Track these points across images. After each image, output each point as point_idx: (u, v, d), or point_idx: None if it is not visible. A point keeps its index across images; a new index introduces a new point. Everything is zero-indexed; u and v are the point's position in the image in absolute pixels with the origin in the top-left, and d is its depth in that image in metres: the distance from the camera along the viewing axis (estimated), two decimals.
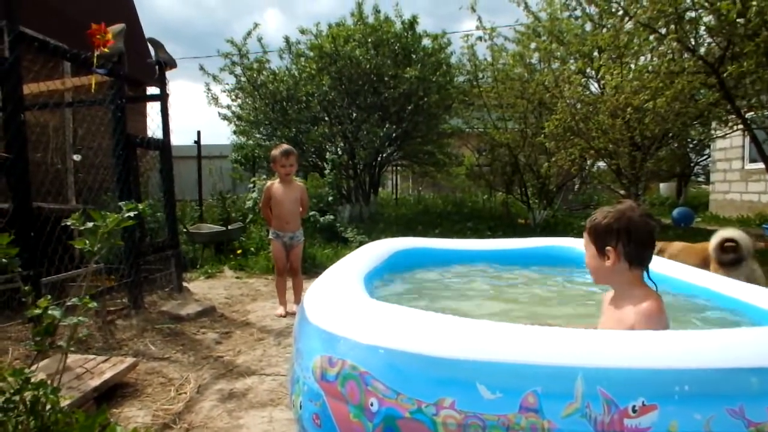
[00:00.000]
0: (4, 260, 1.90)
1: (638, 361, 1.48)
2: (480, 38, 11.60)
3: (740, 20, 6.49)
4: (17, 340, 3.62)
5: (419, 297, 3.06)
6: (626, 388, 1.44)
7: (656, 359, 1.48)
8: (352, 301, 1.99)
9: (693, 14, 7.76)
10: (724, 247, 3.98)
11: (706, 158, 18.04)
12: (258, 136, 12.62)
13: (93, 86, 4.33)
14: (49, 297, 1.88)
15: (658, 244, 5.25)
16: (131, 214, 2.06)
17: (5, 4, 3.44)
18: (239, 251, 7.71)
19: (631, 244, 1.95)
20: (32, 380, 1.82)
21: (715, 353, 1.50)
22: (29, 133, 3.67)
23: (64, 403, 2.03)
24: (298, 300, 4.82)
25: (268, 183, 4.98)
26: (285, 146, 4.83)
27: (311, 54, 11.72)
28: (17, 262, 1.95)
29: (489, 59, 11.83)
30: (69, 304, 1.96)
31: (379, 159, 12.83)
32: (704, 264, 3.99)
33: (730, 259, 3.92)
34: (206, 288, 5.91)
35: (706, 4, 7.04)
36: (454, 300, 3.00)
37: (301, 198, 4.87)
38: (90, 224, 1.99)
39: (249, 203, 8.86)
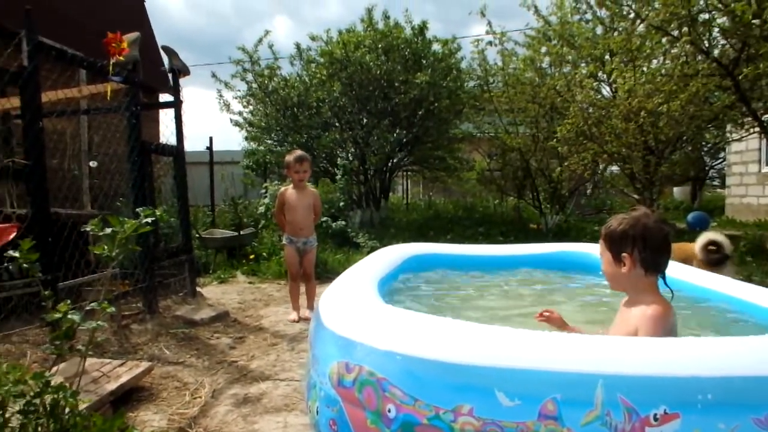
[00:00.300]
0: (24, 265, 1.92)
1: (660, 369, 1.46)
2: (490, 43, 11.59)
3: (755, 21, 6.43)
4: (35, 344, 3.64)
5: (433, 303, 3.07)
6: (647, 395, 1.43)
7: (678, 367, 1.47)
8: (368, 307, 1.99)
9: (706, 16, 7.70)
10: (708, 248, 4.30)
11: (721, 161, 17.87)
12: (269, 142, 12.67)
13: (109, 94, 4.37)
14: (68, 301, 1.90)
15: None
16: (149, 219, 2.07)
17: (25, 15, 3.49)
18: (252, 256, 7.74)
19: (646, 251, 1.96)
20: (51, 383, 1.84)
21: (739, 361, 1.48)
22: (47, 140, 3.71)
23: (82, 406, 2.04)
24: (311, 305, 4.83)
25: (282, 189, 5.00)
26: (299, 152, 4.85)
27: (322, 60, 11.76)
28: (37, 267, 1.97)
29: (499, 64, 11.81)
30: (87, 308, 1.97)
31: (389, 164, 12.82)
32: (684, 262, 4.08)
33: (715, 259, 4.24)
34: (219, 293, 5.94)
35: (720, 5, 6.99)
36: (469, 306, 3.00)
37: (315, 204, 4.89)
38: (108, 230, 2.01)
39: (261, 209, 8.90)
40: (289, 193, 4.82)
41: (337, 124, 11.86)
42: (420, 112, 11.72)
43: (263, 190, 9.33)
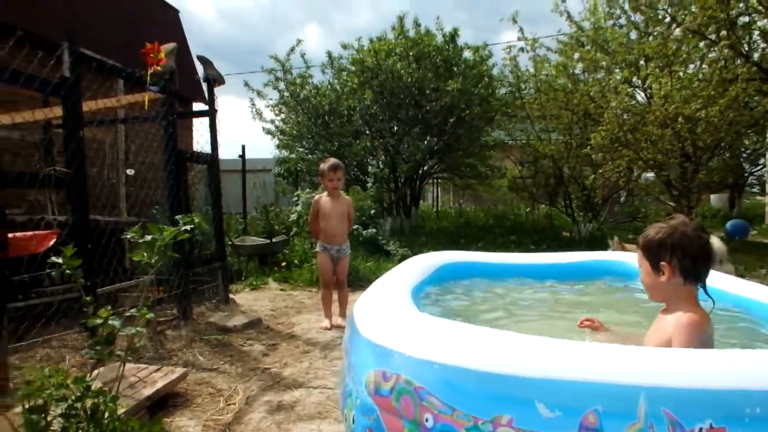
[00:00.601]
0: (67, 271, 1.97)
1: (705, 381, 1.41)
2: (522, 49, 11.54)
3: None
4: (73, 348, 3.74)
5: (469, 311, 3.03)
6: (692, 409, 1.38)
7: (725, 379, 1.42)
8: (405, 315, 1.98)
9: (746, 19, 7.53)
10: None
11: (761, 168, 17.37)
12: (300, 149, 12.83)
13: (146, 103, 4.48)
14: (109, 307, 1.94)
15: (621, 245, 5.36)
16: (187, 227, 2.11)
17: (67, 27, 3.61)
18: (283, 264, 7.80)
19: (685, 259, 1.94)
20: (92, 388, 1.88)
21: None
22: (87, 149, 3.82)
23: (120, 411, 2.08)
24: (343, 313, 4.84)
25: (317, 197, 5.04)
26: (333, 161, 4.89)
27: (353, 68, 11.89)
28: (80, 274, 2.02)
29: (531, 70, 11.75)
30: (127, 314, 2.02)
31: (420, 172, 12.87)
32: None
33: None
34: (251, 300, 5.99)
35: (761, 7, 6.82)
36: (506, 314, 2.95)
37: (348, 212, 4.92)
38: (148, 237, 2.05)
39: (293, 216, 8.97)
40: (323, 201, 4.86)
41: (368, 132, 11.97)
42: (451, 120, 11.74)
43: (295, 198, 9.41)
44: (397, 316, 1.98)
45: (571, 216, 11.96)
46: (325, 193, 4.92)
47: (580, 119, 10.78)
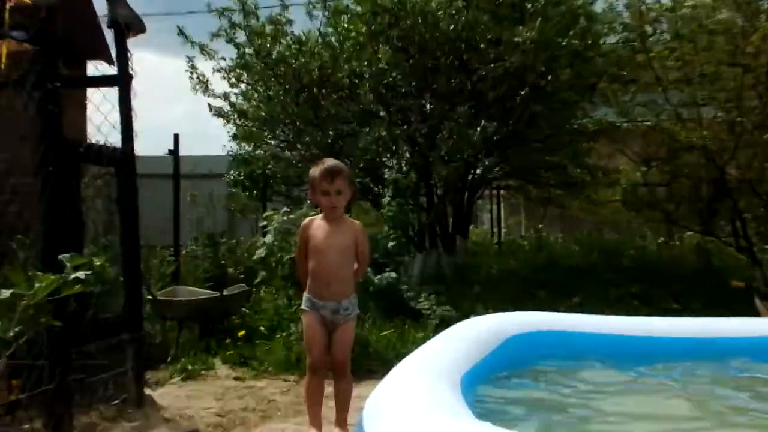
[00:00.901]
0: None
1: None
2: None
3: None
4: None
5: (559, 415, 3.04)
6: None
7: None
8: (453, 424, 1.92)
9: None
10: None
11: None
12: (272, 142, 12.98)
13: (2, 59, 4.43)
14: None
15: None
16: (81, 273, 2.01)
17: None
18: (241, 333, 7.77)
19: None
20: None
21: None
22: None
23: None
24: (342, 420, 4.71)
25: (306, 220, 5.03)
26: (330, 162, 4.85)
27: (359, 10, 11.90)
28: None
29: (665, 1, 11.65)
30: None
31: (470, 177, 12.98)
32: None
33: None
34: (184, 398, 5.96)
35: None
36: (625, 423, 2.91)
37: (357, 245, 4.86)
38: (6, 293, 1.94)
39: (260, 252, 8.90)
40: (315, 227, 4.83)
41: (383, 114, 12.07)
42: (522, 92, 11.76)
43: (262, 222, 9.39)
44: (439, 426, 1.92)
45: (746, 251, 11.75)
46: (320, 216, 4.88)
47: (759, 81, 10.58)
